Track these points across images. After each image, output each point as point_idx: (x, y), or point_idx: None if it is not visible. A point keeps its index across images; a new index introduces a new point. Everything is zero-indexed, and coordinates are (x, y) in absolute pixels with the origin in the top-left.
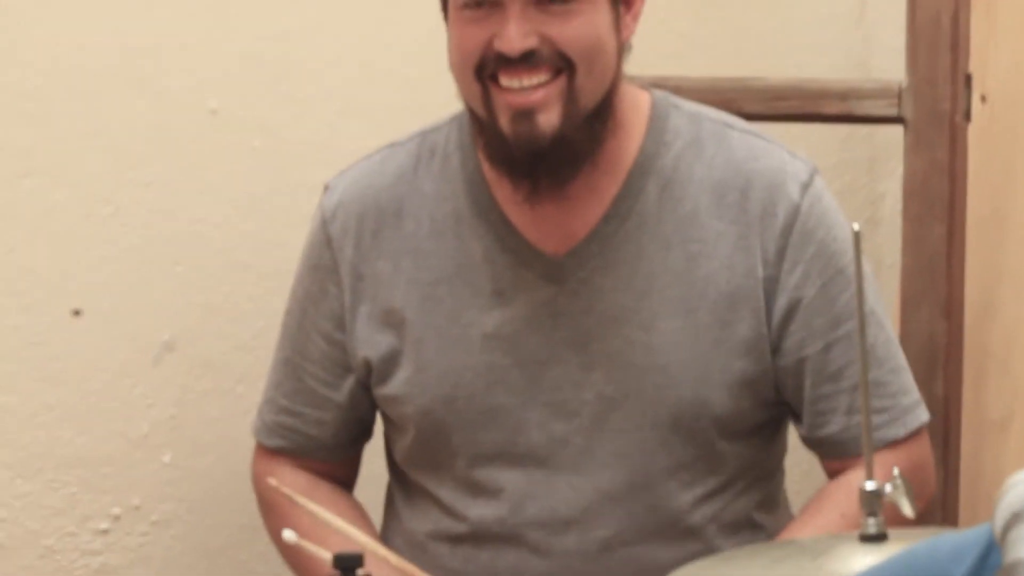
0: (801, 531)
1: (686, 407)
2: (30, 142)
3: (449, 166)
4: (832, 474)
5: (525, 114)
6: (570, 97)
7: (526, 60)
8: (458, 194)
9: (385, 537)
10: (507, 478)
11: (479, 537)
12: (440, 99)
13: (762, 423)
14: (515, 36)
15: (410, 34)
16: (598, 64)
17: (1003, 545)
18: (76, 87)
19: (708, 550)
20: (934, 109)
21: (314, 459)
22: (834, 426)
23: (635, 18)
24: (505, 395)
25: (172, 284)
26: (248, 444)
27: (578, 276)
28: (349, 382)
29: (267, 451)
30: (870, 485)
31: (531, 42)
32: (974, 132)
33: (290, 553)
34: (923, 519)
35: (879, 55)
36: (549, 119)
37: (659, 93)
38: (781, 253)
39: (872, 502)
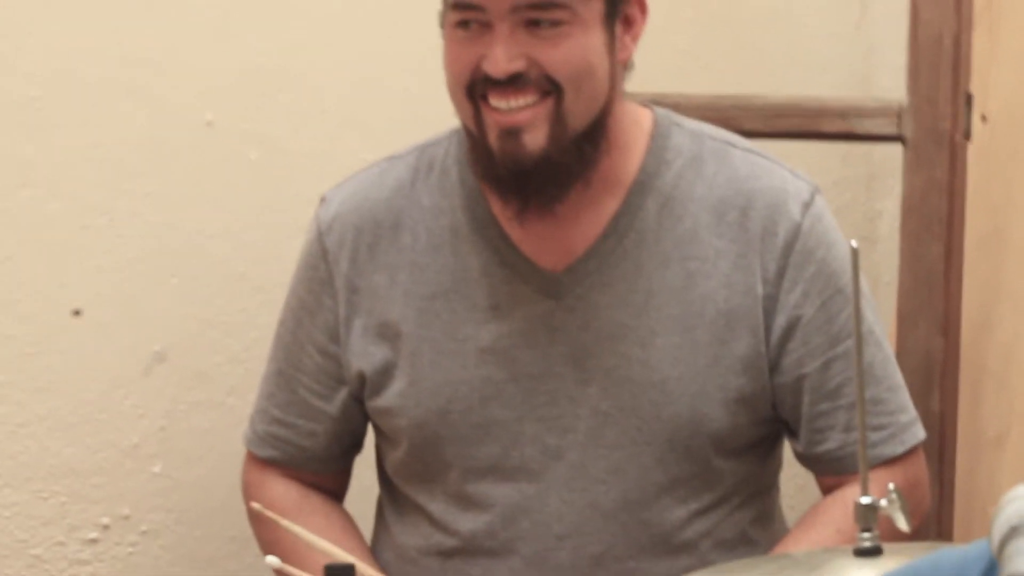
0: (796, 545)
1: (682, 424)
2: (27, 152)
3: (447, 180)
4: (827, 490)
5: (511, 133)
6: (557, 119)
7: (513, 82)
8: (456, 208)
9: (375, 551)
10: (500, 492)
11: (470, 552)
12: (438, 113)
13: (758, 440)
14: (502, 59)
15: (408, 48)
16: (587, 87)
17: (1000, 559)
18: (73, 98)
19: (702, 565)
20: (934, 128)
21: (305, 470)
22: (831, 443)
23: (635, 39)
24: (500, 409)
25: (166, 295)
26: (239, 455)
27: (576, 292)
28: (342, 394)
29: (258, 461)
30: (865, 499)
31: (518, 65)
32: (974, 152)
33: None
34: (918, 535)
35: (880, 73)
36: (535, 139)
37: (661, 111)
38: (781, 272)
39: (867, 516)
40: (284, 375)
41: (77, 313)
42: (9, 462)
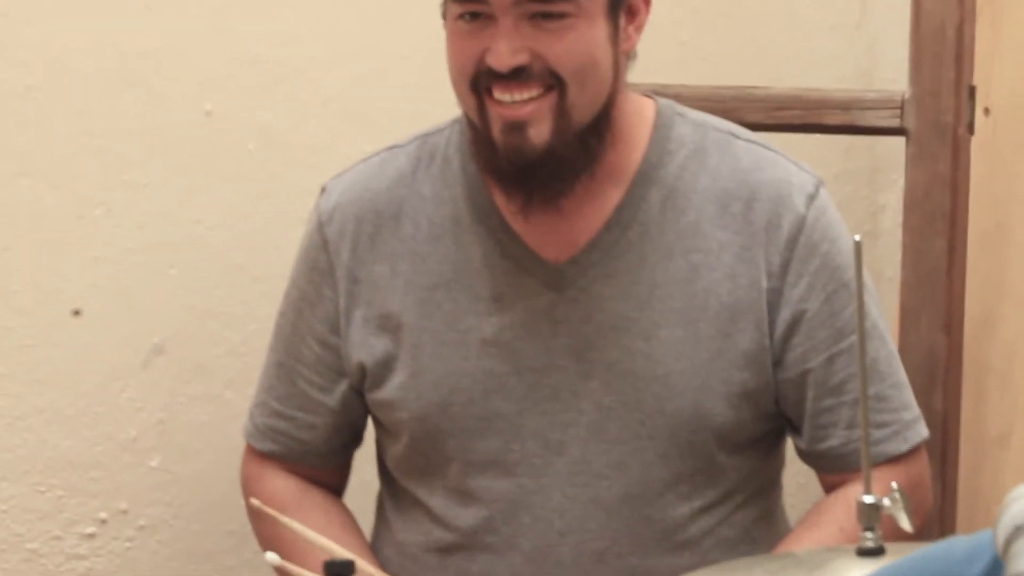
0: (798, 544)
1: (685, 418)
2: (24, 143)
3: (449, 169)
4: (830, 488)
5: (516, 127)
6: (561, 112)
7: (517, 76)
8: (458, 198)
9: (375, 547)
10: (501, 487)
11: (470, 547)
12: (438, 104)
13: (761, 436)
14: (505, 52)
15: (408, 39)
16: (591, 81)
17: (1005, 559)
18: (71, 88)
19: (704, 563)
20: (937, 121)
21: (304, 464)
22: (835, 440)
23: (638, 29)
24: (502, 402)
25: (164, 287)
26: (237, 449)
27: (578, 284)
28: (342, 387)
29: (257, 455)
30: (868, 498)
31: (521, 58)
32: (977, 145)
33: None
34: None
35: (882, 65)
36: (539, 132)
37: (664, 101)
38: (785, 265)
39: (870, 516)
40: (284, 367)
41: (77, 313)
42: (6, 455)
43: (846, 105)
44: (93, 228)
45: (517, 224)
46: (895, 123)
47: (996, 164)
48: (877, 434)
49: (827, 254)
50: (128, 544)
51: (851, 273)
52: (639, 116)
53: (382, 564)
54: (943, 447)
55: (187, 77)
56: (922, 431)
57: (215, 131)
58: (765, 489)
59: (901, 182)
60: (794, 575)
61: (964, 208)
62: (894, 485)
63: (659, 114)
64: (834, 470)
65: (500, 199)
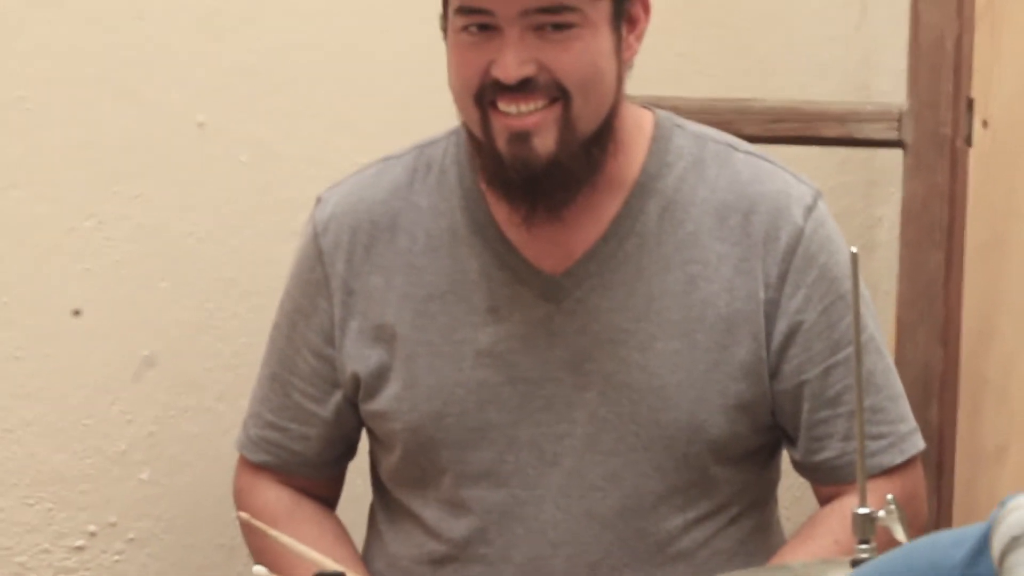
0: (793, 556)
1: (681, 430)
2: (15, 154)
3: (446, 180)
4: (825, 500)
5: (521, 137)
6: (566, 124)
7: (523, 87)
8: (454, 209)
9: (367, 559)
10: (494, 498)
11: (463, 559)
12: (432, 115)
13: (757, 448)
14: (512, 64)
15: (401, 49)
16: (595, 92)
17: (1001, 570)
18: (61, 99)
19: (699, 575)
20: (935, 133)
21: (298, 476)
22: (830, 451)
23: (638, 38)
24: (496, 413)
25: (155, 299)
26: (227, 462)
27: (575, 295)
28: (336, 398)
29: (250, 466)
30: (863, 510)
31: (528, 70)
32: (975, 157)
33: (270, 570)
34: None
35: (880, 78)
36: (544, 143)
37: (662, 113)
38: (783, 277)
39: (865, 527)
40: (278, 379)
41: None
42: None
43: (843, 117)
44: (84, 240)
45: (514, 236)
46: (893, 135)
47: (994, 176)
48: (873, 446)
49: (824, 266)
50: (117, 557)
51: (848, 285)
52: (638, 127)
53: None
54: (939, 460)
55: (179, 88)
56: (918, 443)
57: (207, 142)
58: (760, 502)
59: (898, 195)
60: None
61: (962, 221)
62: (889, 497)
63: (658, 125)
64: (829, 482)
65: (498, 211)
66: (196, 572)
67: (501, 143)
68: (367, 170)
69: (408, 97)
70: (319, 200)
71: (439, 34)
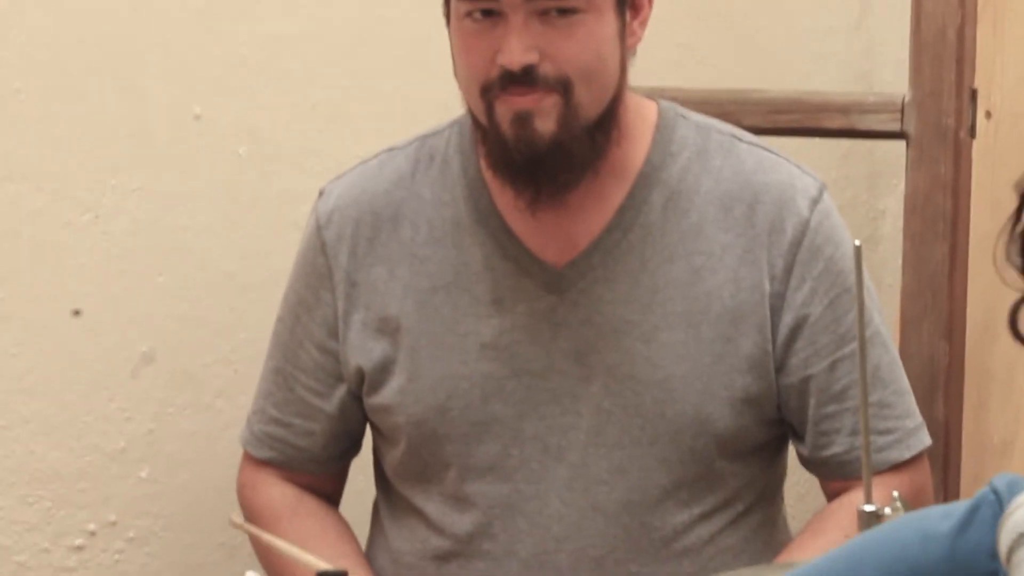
0: (802, 551)
1: (687, 423)
2: (10, 146)
3: (449, 171)
4: (832, 495)
5: (523, 118)
6: (568, 108)
7: (526, 78)
8: (458, 200)
9: (370, 555)
10: (499, 492)
11: (467, 554)
12: (430, 106)
13: (763, 443)
14: (517, 49)
15: (400, 40)
16: (598, 79)
17: (1008, 566)
18: (58, 91)
19: (705, 571)
20: (938, 124)
21: (302, 472)
22: (838, 447)
23: (642, 24)
24: (500, 406)
25: (153, 294)
26: (227, 459)
27: (579, 286)
28: (340, 392)
29: (255, 462)
30: (869, 507)
31: (532, 56)
32: (978, 148)
33: (272, 569)
34: None
35: (882, 68)
36: (546, 125)
37: (666, 103)
38: (789, 269)
39: (871, 524)
40: (282, 373)
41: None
42: None
43: (846, 109)
44: (81, 234)
45: (517, 226)
46: (895, 127)
47: (998, 168)
48: (880, 441)
49: (830, 258)
50: (117, 556)
51: (854, 278)
52: (641, 117)
53: (377, 573)
54: (945, 455)
55: (176, 80)
56: (925, 439)
57: (205, 135)
58: (766, 498)
59: (901, 187)
60: None
61: (965, 213)
62: (895, 494)
63: (661, 115)
64: (837, 477)
65: (501, 201)
66: (197, 570)
67: (505, 126)
68: (370, 161)
69: (407, 89)
70: (322, 192)
71: (437, 25)
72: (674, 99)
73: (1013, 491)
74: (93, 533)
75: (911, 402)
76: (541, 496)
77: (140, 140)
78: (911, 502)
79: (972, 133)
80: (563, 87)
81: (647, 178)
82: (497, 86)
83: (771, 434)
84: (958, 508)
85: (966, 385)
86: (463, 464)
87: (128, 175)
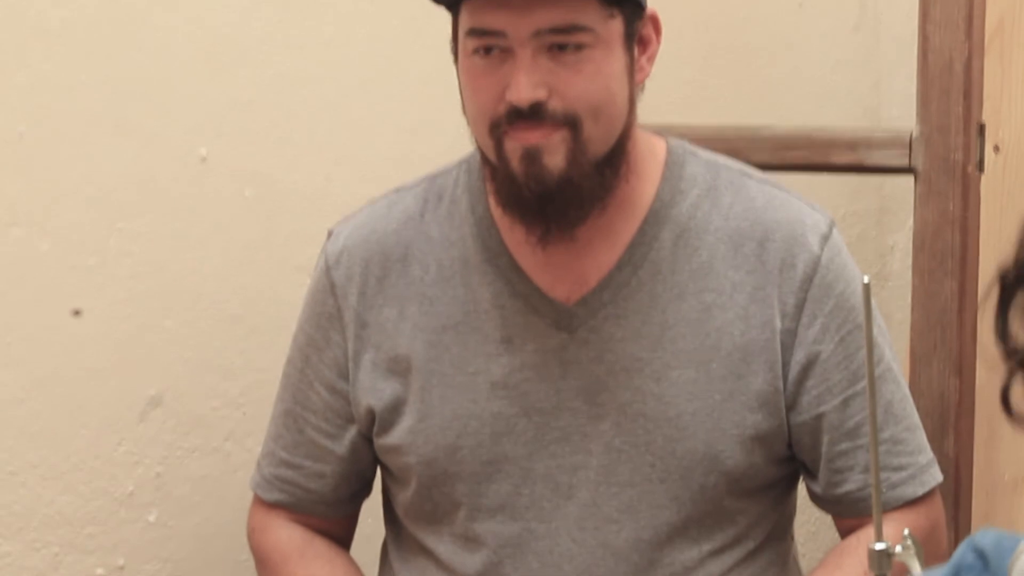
0: None
1: (697, 460)
2: (15, 191)
3: (457, 210)
4: (846, 532)
5: (532, 155)
6: (576, 145)
7: (534, 114)
8: (466, 238)
9: None
10: (509, 531)
11: None
12: (437, 149)
13: (773, 480)
14: (525, 86)
15: (405, 83)
16: (606, 115)
17: None
18: (62, 134)
19: None
20: (946, 159)
21: (312, 514)
22: (852, 484)
23: (650, 60)
24: (511, 445)
25: (160, 337)
26: (236, 503)
27: (589, 324)
28: (350, 433)
29: (264, 505)
30: (880, 545)
31: (541, 93)
32: (987, 183)
33: None
34: None
35: (890, 103)
36: (555, 161)
37: (675, 140)
38: (800, 306)
39: (882, 563)
40: (291, 415)
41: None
42: (0, 511)
43: (853, 144)
44: (86, 278)
45: (527, 264)
46: (903, 162)
47: (1007, 202)
48: (894, 477)
49: (841, 295)
50: None
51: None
52: (651, 154)
53: None
54: (956, 493)
55: (181, 122)
56: (937, 475)
57: (211, 177)
58: (776, 536)
59: (910, 222)
60: None
61: (975, 248)
62: (906, 532)
63: (671, 153)
64: (852, 514)
65: (510, 238)
66: None
67: (515, 162)
68: (378, 202)
69: (413, 130)
70: (330, 233)
71: (444, 66)
72: (683, 136)
73: (1002, 547)
74: None
75: (923, 438)
76: (552, 535)
77: (146, 183)
78: (927, 538)
79: (980, 168)
80: (572, 123)
81: (657, 215)
82: (505, 122)
83: (781, 472)
84: (935, 574)
85: (976, 421)
86: (473, 503)
87: (134, 218)
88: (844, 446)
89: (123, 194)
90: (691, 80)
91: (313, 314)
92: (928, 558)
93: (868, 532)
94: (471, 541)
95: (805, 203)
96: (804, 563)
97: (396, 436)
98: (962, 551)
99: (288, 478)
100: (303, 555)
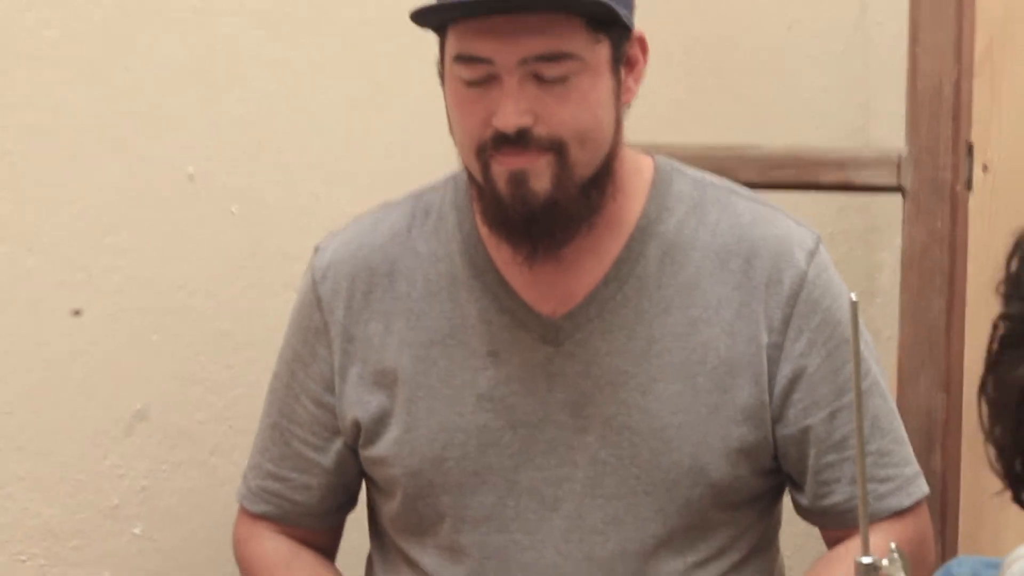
0: None
1: (683, 473)
2: (2, 208)
3: (444, 226)
4: (832, 543)
5: (518, 176)
6: (562, 169)
7: (520, 140)
8: (453, 254)
9: None
10: (495, 543)
11: None
12: (425, 166)
13: (758, 493)
14: (511, 113)
15: (392, 101)
16: (592, 139)
17: None
18: (50, 152)
19: None
20: (935, 178)
21: (298, 526)
22: (838, 496)
23: (637, 80)
24: (497, 458)
25: (147, 352)
26: (222, 517)
27: (575, 338)
28: (336, 445)
29: (250, 516)
30: (866, 559)
31: (526, 120)
32: (975, 202)
33: None
34: None
35: (878, 123)
36: (541, 184)
37: (662, 158)
38: (786, 321)
39: None
40: (278, 428)
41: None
42: None
43: (842, 163)
44: (74, 294)
45: (513, 279)
46: (892, 181)
47: (995, 221)
48: (881, 489)
49: (828, 310)
50: None
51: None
52: (637, 171)
53: None
54: (943, 508)
55: (169, 140)
56: (923, 487)
57: (198, 194)
58: (761, 548)
59: (898, 241)
60: None
61: (963, 266)
62: (893, 545)
63: (658, 170)
64: (839, 526)
65: (497, 254)
66: None
67: (501, 185)
68: (365, 218)
69: (401, 148)
70: (317, 248)
71: (431, 84)
72: (670, 155)
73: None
74: None
75: (909, 450)
76: (536, 547)
77: (133, 200)
78: (914, 550)
79: (969, 187)
80: (557, 148)
81: (644, 232)
82: (491, 147)
83: (767, 484)
84: None
85: (964, 438)
86: (458, 515)
87: (121, 234)
88: (831, 458)
89: (111, 210)
90: (680, 99)
91: (300, 328)
92: (915, 570)
93: (856, 542)
94: (456, 552)
95: (792, 220)
96: (790, 575)
97: (382, 448)
98: None
99: (274, 490)
100: (289, 566)
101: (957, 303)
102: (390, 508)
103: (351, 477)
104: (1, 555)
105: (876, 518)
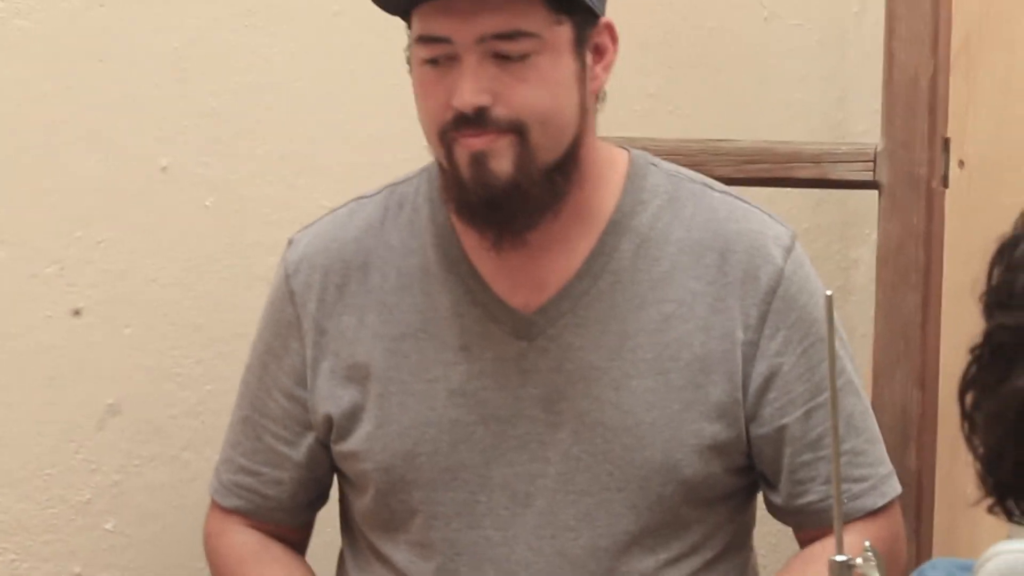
0: None
1: (655, 470)
2: None
3: (418, 218)
4: (806, 544)
5: (479, 158)
6: (524, 151)
7: (479, 120)
8: (426, 247)
9: None
10: (466, 539)
11: None
12: (400, 158)
13: (732, 491)
14: (468, 92)
15: (367, 92)
16: (554, 122)
17: None
18: (22, 141)
19: None
20: (910, 174)
21: (269, 521)
22: (813, 495)
23: (606, 68)
24: (468, 453)
25: (119, 346)
26: (194, 512)
27: (548, 333)
28: (308, 440)
29: (222, 510)
30: (840, 558)
31: (484, 99)
32: (951, 198)
33: None
34: None
35: (855, 118)
36: (502, 166)
37: (637, 152)
38: (763, 318)
39: (842, 575)
40: (250, 422)
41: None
42: None
43: (817, 158)
44: (46, 286)
45: (486, 272)
46: (868, 176)
47: (971, 217)
48: (855, 488)
49: (804, 307)
50: None
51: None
52: (611, 164)
53: None
54: (917, 507)
55: (142, 131)
56: (896, 486)
57: (171, 186)
58: (735, 547)
59: (873, 236)
60: None
61: (939, 262)
62: (867, 544)
63: (632, 164)
64: (813, 525)
65: (470, 244)
66: None
67: (463, 167)
68: (339, 210)
69: (375, 141)
70: (290, 241)
71: (406, 76)
72: (645, 149)
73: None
74: None
75: (882, 449)
76: (508, 543)
77: (106, 191)
78: (887, 549)
79: (945, 183)
80: (518, 129)
81: (617, 225)
82: (452, 128)
83: (740, 482)
84: None
85: (939, 435)
86: (430, 511)
87: (94, 226)
88: (806, 457)
89: (83, 202)
90: (655, 93)
91: (272, 322)
92: (888, 569)
93: (830, 541)
94: (427, 548)
95: (767, 215)
96: (764, 574)
97: (354, 442)
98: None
99: (246, 484)
100: (259, 559)
101: (933, 299)
102: (362, 503)
103: (323, 472)
104: None
105: (850, 518)
